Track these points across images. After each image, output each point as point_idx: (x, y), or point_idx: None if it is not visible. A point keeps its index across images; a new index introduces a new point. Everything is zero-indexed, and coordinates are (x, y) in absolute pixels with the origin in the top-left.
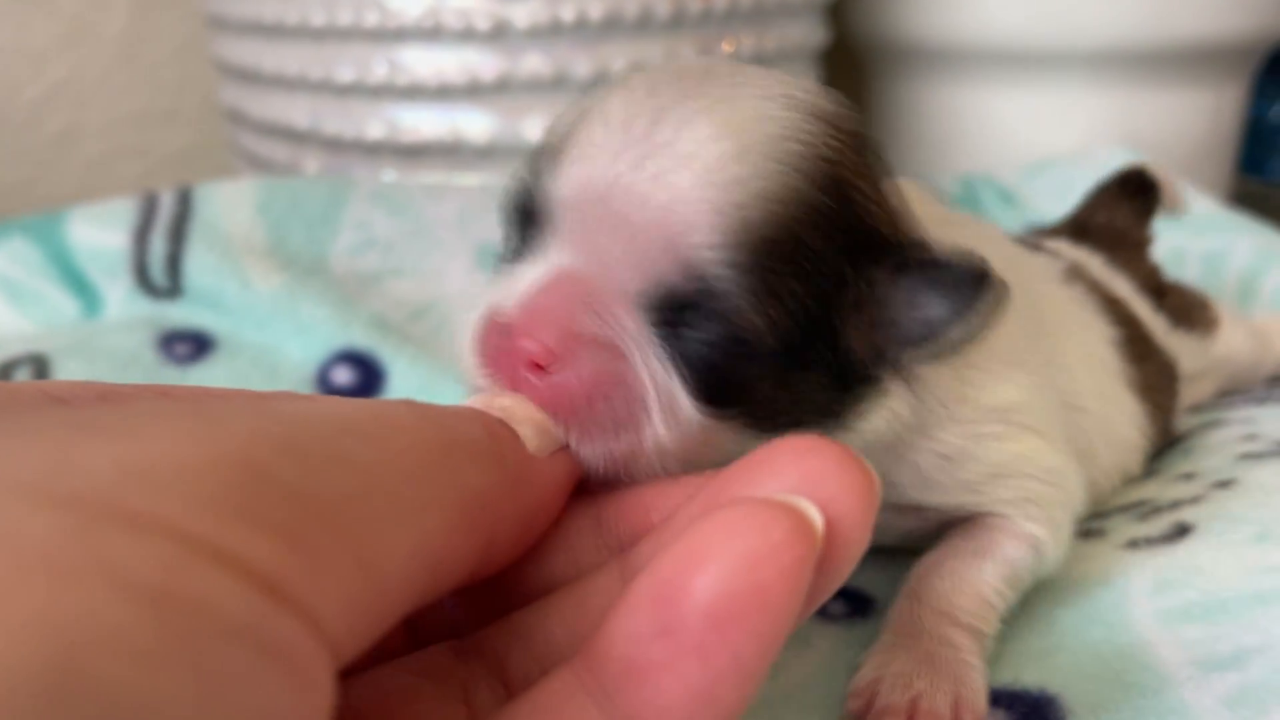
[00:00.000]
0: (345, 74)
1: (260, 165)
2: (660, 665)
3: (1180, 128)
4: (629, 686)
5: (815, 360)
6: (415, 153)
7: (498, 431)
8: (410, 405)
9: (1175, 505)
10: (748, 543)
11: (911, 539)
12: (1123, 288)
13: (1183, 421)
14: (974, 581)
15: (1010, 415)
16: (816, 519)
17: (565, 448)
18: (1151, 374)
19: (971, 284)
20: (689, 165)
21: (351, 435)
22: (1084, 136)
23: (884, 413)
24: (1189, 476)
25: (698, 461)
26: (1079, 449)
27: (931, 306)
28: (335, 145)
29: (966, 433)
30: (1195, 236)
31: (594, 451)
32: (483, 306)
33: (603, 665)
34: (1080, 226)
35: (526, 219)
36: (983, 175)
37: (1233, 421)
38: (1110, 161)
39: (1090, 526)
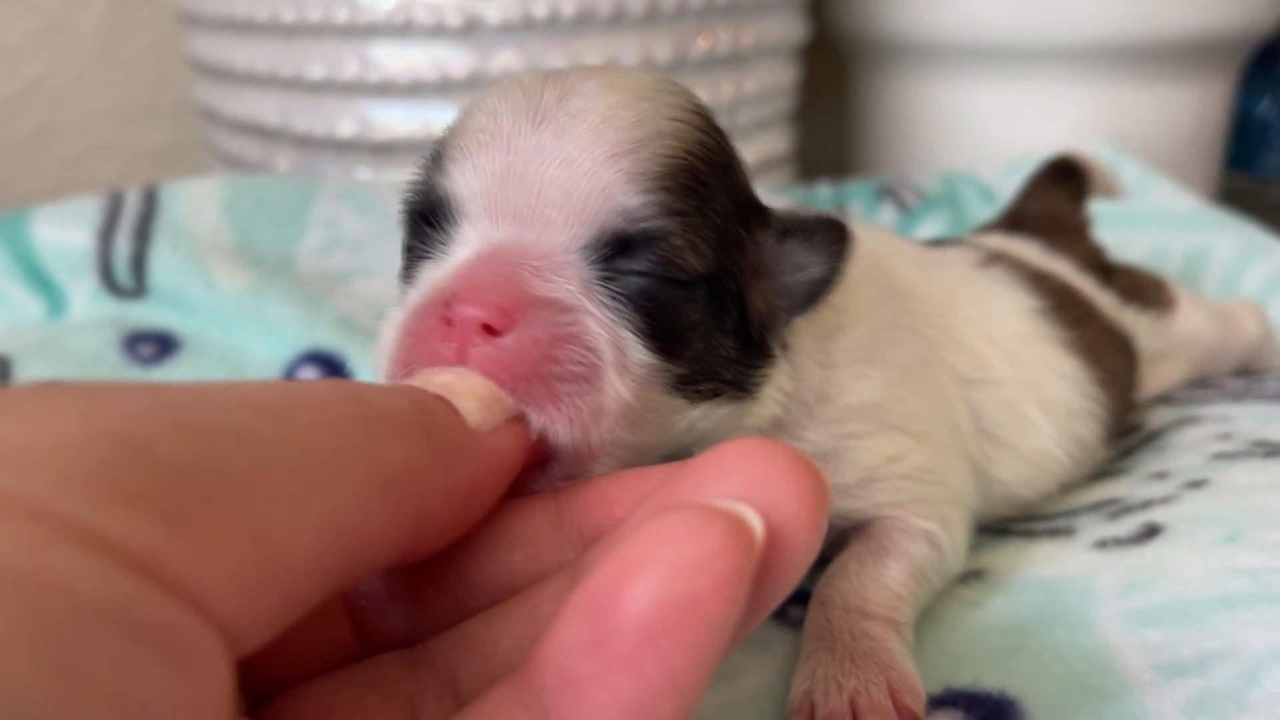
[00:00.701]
0: (316, 71)
1: (232, 163)
2: (593, 679)
3: (1166, 123)
4: (563, 701)
5: (729, 322)
6: (387, 150)
7: (427, 404)
8: (332, 383)
9: (1146, 505)
10: (680, 552)
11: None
12: (1060, 268)
13: (1157, 417)
14: (879, 577)
15: (870, 414)
16: (755, 524)
17: (515, 420)
18: (1093, 337)
19: (839, 239)
20: (605, 124)
21: (250, 412)
22: (1068, 133)
23: (773, 391)
24: (1161, 475)
25: (650, 436)
26: (1001, 422)
27: (812, 266)
28: (307, 143)
29: (832, 433)
30: (1177, 233)
31: (554, 417)
32: (406, 305)
33: (538, 679)
34: (1015, 218)
35: (428, 221)
36: (964, 173)
37: (1208, 419)
38: (1095, 158)
39: (1058, 525)
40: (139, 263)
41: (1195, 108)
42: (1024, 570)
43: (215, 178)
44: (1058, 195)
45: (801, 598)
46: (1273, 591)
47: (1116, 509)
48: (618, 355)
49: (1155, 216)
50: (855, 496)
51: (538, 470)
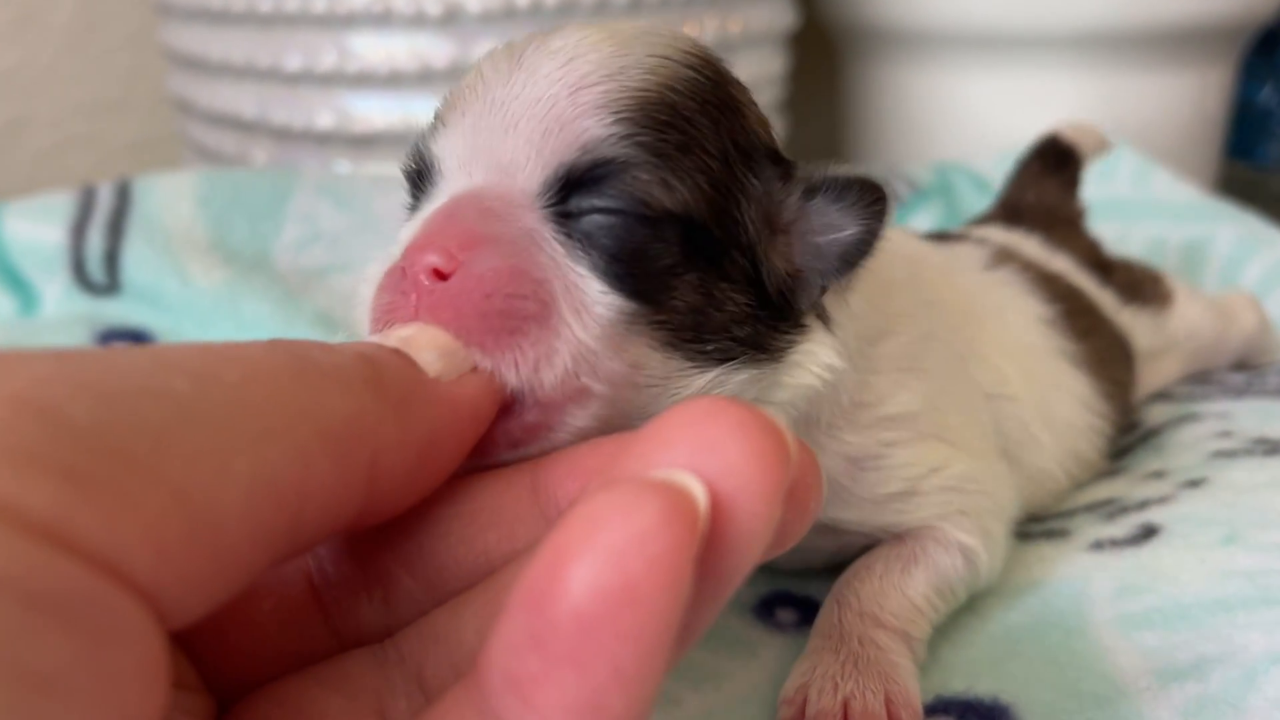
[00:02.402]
0: (293, 61)
1: (208, 156)
2: (537, 679)
3: (1165, 112)
4: (510, 704)
5: (733, 271)
6: (367, 142)
7: (376, 357)
8: (269, 341)
9: (1143, 505)
10: (612, 535)
11: (808, 555)
12: (1063, 265)
13: (1155, 414)
14: (902, 586)
15: (911, 423)
16: (698, 495)
17: (479, 371)
18: (1101, 348)
19: (876, 199)
20: (575, 58)
21: (170, 371)
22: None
23: (811, 363)
24: (1159, 474)
25: (646, 399)
26: (1014, 440)
27: (846, 227)
28: (284, 135)
29: (871, 438)
30: (1176, 225)
31: (501, 357)
32: (381, 266)
33: (487, 680)
34: (1012, 209)
35: (420, 180)
36: (957, 163)
37: (1207, 416)
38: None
39: (1053, 526)
40: (112, 259)
41: (1194, 96)
42: (1018, 573)
43: (190, 172)
44: (1053, 184)
45: (791, 601)
46: (1271, 594)
47: (1113, 509)
48: (572, 293)
49: (1153, 207)
50: (897, 511)
51: (506, 423)
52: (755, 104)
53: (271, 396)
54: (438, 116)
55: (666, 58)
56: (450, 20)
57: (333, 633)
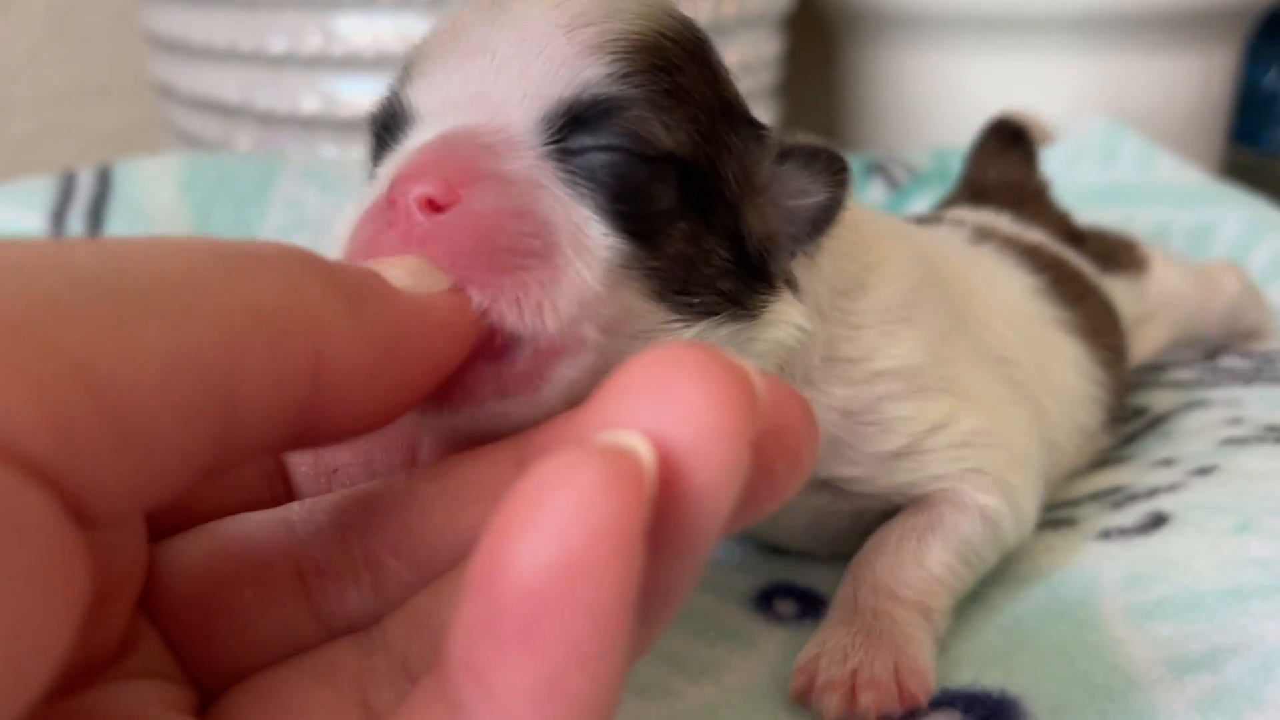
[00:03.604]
0: (277, 44)
1: (191, 142)
2: (492, 664)
3: (1169, 96)
4: (471, 692)
5: (719, 224)
6: (353, 127)
7: (319, 255)
8: (197, 236)
9: (1152, 493)
10: (552, 507)
11: (827, 527)
12: (1039, 238)
13: (1163, 401)
14: (918, 556)
15: (907, 376)
16: (641, 454)
17: (457, 291)
18: (1093, 314)
19: (839, 167)
20: (562, 2)
21: (72, 248)
22: (1066, 106)
23: (781, 323)
24: (1168, 462)
25: (616, 340)
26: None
27: (814, 192)
28: (269, 120)
29: (864, 391)
30: (1181, 209)
31: (501, 295)
32: (359, 206)
33: (449, 669)
34: (976, 188)
35: (391, 128)
36: (956, 148)
37: (1216, 403)
38: (1091, 132)
39: (1060, 515)
40: None
41: (1199, 79)
42: (1024, 563)
43: (173, 156)
44: (1012, 160)
45: (792, 592)
46: None
47: (1121, 498)
48: (575, 233)
49: (1158, 192)
50: (903, 469)
51: (496, 368)
52: (728, 69)
53: (190, 273)
54: (410, 64)
55: (653, 6)
56: (437, 1)
57: (319, 621)
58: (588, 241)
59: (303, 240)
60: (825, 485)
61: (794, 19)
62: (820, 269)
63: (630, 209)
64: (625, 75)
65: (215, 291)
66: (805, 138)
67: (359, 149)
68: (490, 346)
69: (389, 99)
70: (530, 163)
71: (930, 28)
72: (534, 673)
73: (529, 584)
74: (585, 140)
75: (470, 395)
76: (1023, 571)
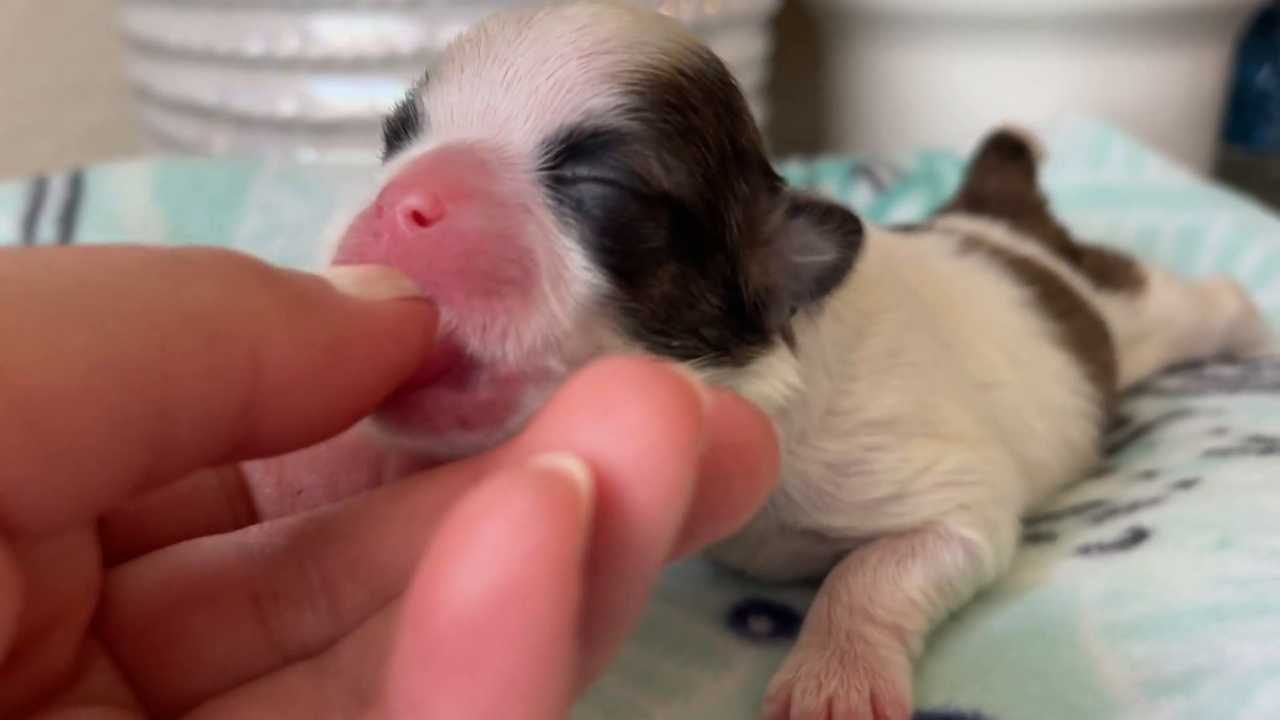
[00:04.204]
0: (254, 46)
1: (168, 144)
2: (430, 697)
3: (1159, 96)
4: None
5: (713, 270)
6: (330, 129)
7: (257, 260)
8: (129, 243)
9: (1133, 507)
10: (483, 534)
11: (806, 565)
12: (1032, 250)
13: (1146, 410)
14: (896, 580)
15: (894, 426)
16: (575, 476)
17: (416, 299)
18: (1082, 329)
19: (853, 228)
20: (590, 25)
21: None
22: (1055, 106)
23: (774, 375)
24: (1150, 475)
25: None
26: (1010, 431)
27: (823, 251)
28: (245, 122)
29: (851, 443)
30: (1170, 212)
31: (468, 317)
32: (352, 210)
33: (390, 701)
34: (975, 198)
35: (402, 132)
36: (943, 149)
37: (1201, 412)
38: (1079, 132)
39: (1040, 530)
40: None
41: (1189, 78)
42: (1001, 579)
43: (145, 160)
44: (1013, 172)
45: (766, 610)
46: (1266, 602)
47: (1102, 511)
48: (555, 265)
49: (1146, 195)
50: (891, 515)
51: (456, 396)
52: (752, 116)
53: (120, 278)
54: (431, 70)
55: (680, 44)
56: (416, 3)
57: (273, 646)
58: (566, 273)
59: (279, 245)
60: (807, 532)
61: (779, 18)
62: (822, 332)
63: (616, 244)
64: (633, 109)
65: (146, 296)
66: (821, 195)
67: (337, 152)
68: (452, 374)
69: (405, 103)
70: (521, 186)
71: (917, 27)
72: (472, 706)
73: (462, 615)
74: (581, 170)
75: (430, 424)
76: (1000, 587)
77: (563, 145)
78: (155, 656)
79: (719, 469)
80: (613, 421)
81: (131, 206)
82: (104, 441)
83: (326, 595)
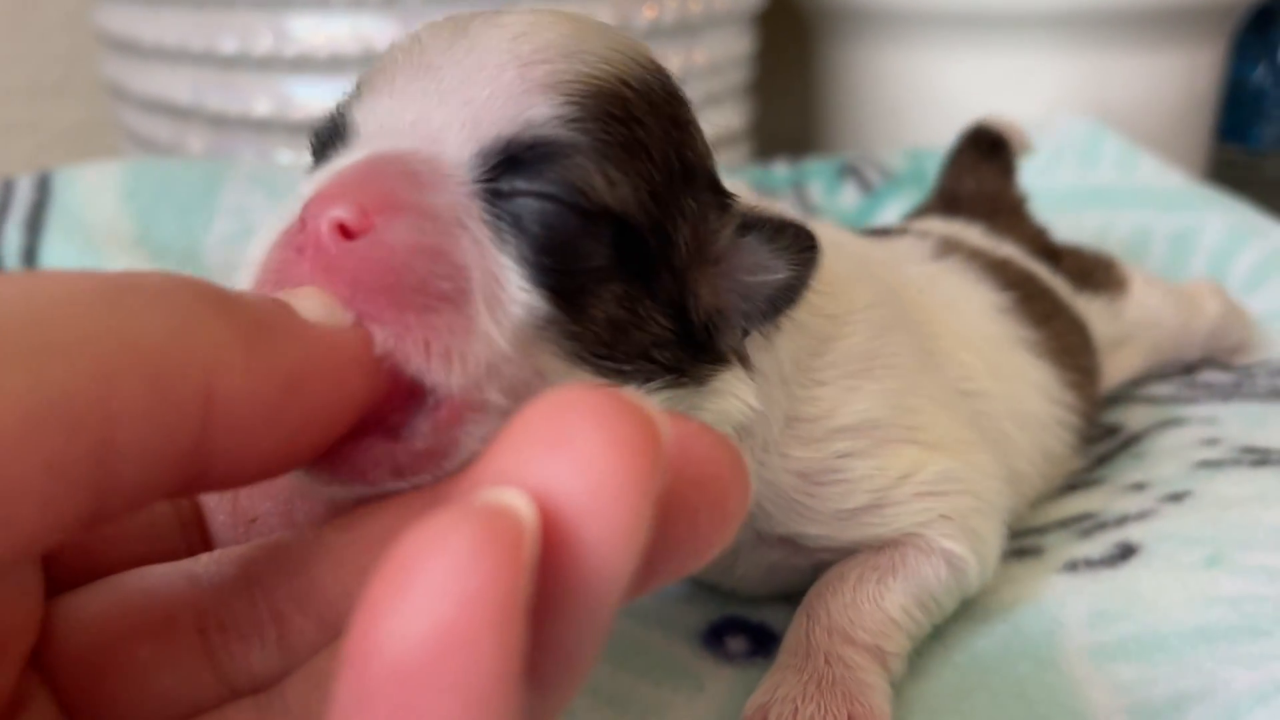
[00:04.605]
0: (229, 44)
1: (143, 144)
2: None
3: (1153, 94)
4: None
5: (661, 291)
6: (307, 129)
7: (215, 286)
8: (75, 270)
9: (1122, 521)
10: (420, 577)
11: (783, 578)
12: (1010, 253)
13: (1137, 418)
14: (877, 598)
15: (869, 431)
16: (519, 513)
17: (364, 328)
18: (1062, 334)
19: (807, 245)
20: (527, 33)
21: None
22: (1047, 105)
23: (730, 395)
24: (1140, 486)
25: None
26: (989, 442)
27: (775, 270)
28: (220, 122)
29: (822, 451)
30: (1163, 213)
31: (416, 340)
32: (274, 226)
33: None
34: (950, 198)
35: (330, 144)
36: (932, 148)
37: (1193, 421)
38: (1071, 132)
39: (1026, 544)
40: (30, 256)
41: (1184, 76)
42: (985, 595)
43: (114, 163)
44: (990, 170)
45: (744, 628)
46: (1257, 623)
47: (1090, 525)
48: (491, 284)
49: (1139, 195)
50: (868, 525)
51: (391, 446)
52: (701, 130)
53: (61, 309)
54: (360, 82)
55: (623, 53)
56: (393, 1)
57: (220, 680)
58: (502, 293)
59: (249, 247)
60: (783, 540)
61: (766, 15)
62: (778, 346)
63: (556, 263)
64: (574, 120)
65: (90, 329)
66: (774, 209)
67: None
68: (386, 421)
69: (332, 114)
70: (455, 199)
71: (906, 25)
72: None
73: (398, 662)
74: (519, 183)
75: (364, 476)
76: (984, 604)
77: (499, 157)
78: (97, 690)
79: (684, 503)
80: (565, 454)
81: (99, 209)
82: (41, 486)
83: (276, 627)
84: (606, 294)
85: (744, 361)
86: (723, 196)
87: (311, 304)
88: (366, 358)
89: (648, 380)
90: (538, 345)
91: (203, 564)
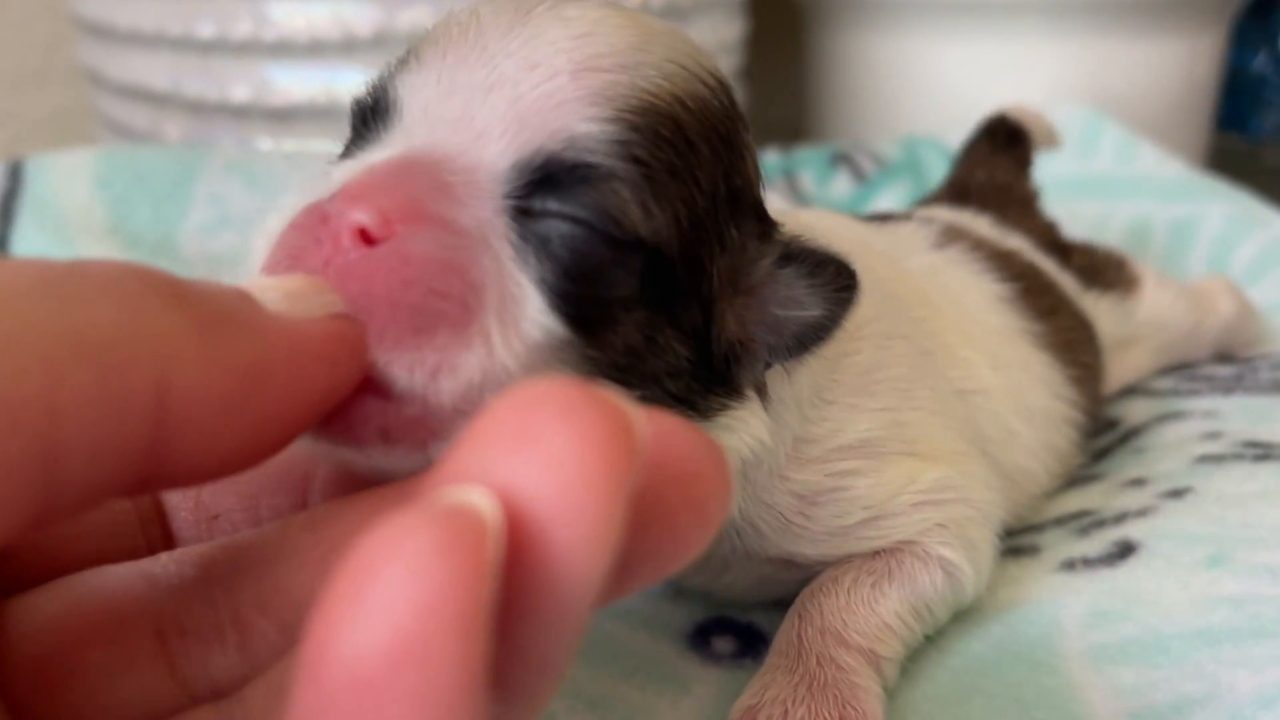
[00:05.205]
0: (206, 29)
1: (120, 131)
2: None
3: (1152, 82)
4: None
5: (684, 320)
6: (287, 116)
7: (189, 280)
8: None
9: (1121, 519)
10: (378, 582)
11: (773, 590)
12: (1018, 245)
13: (1136, 411)
14: (871, 602)
15: (869, 449)
16: (483, 515)
17: (344, 318)
18: (1066, 329)
19: (847, 283)
20: (589, 35)
21: None
22: (1044, 93)
23: (742, 430)
24: (1139, 483)
25: None
26: (993, 440)
27: (809, 306)
28: (198, 109)
29: (823, 472)
30: (1162, 203)
31: (403, 362)
32: (301, 202)
33: None
34: (960, 189)
35: (374, 117)
36: (927, 137)
37: (1193, 414)
38: (1069, 120)
39: (1023, 542)
40: (1, 245)
41: (1183, 64)
42: (982, 596)
43: (88, 150)
44: (1003, 163)
45: (731, 629)
46: (1261, 624)
47: (1088, 523)
48: (505, 304)
49: (1138, 185)
50: (864, 539)
51: (381, 404)
52: (755, 149)
53: (4, 302)
54: (412, 50)
55: (685, 68)
56: None
57: (179, 685)
58: (518, 316)
59: (227, 239)
60: (775, 559)
61: (758, 1)
62: (797, 373)
63: (579, 290)
64: (620, 141)
65: (34, 322)
66: (819, 244)
67: (294, 139)
68: (382, 385)
69: (378, 85)
70: (484, 215)
71: (902, 10)
72: None
73: (355, 671)
74: (551, 203)
75: (351, 433)
76: (980, 605)
77: (537, 174)
78: (50, 696)
79: (662, 503)
80: (534, 451)
81: (72, 198)
82: None
83: (237, 631)
84: (628, 321)
85: (761, 394)
86: (766, 224)
87: (276, 294)
88: (336, 353)
89: (652, 406)
90: (549, 366)
91: (162, 564)
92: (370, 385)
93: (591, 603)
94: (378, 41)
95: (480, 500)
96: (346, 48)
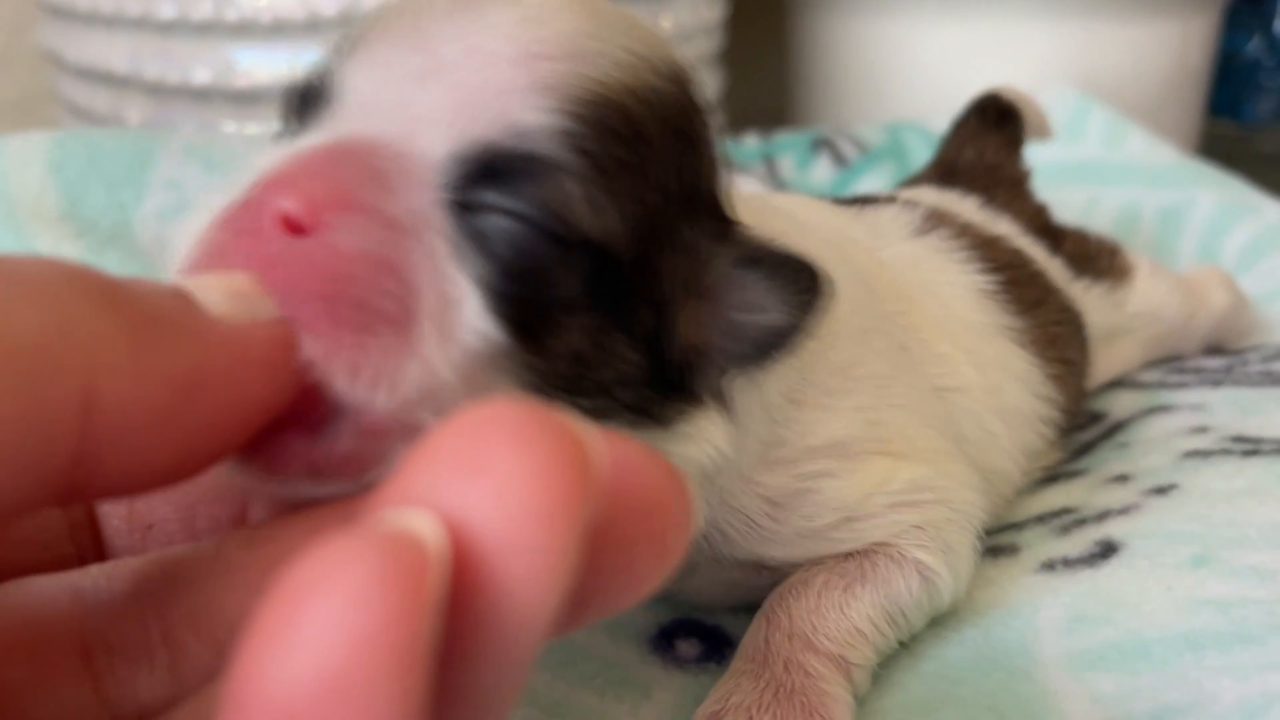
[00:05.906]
0: (167, 9)
1: (81, 115)
2: None
3: (1142, 65)
4: None
5: (635, 325)
6: (250, 99)
7: (124, 280)
8: None
9: (1103, 517)
10: (309, 611)
11: (743, 595)
12: (1005, 229)
13: (1122, 404)
14: (842, 606)
15: (841, 449)
16: (427, 541)
17: (283, 323)
18: (1049, 323)
19: (810, 286)
20: (530, 18)
21: None
22: (1032, 77)
23: (700, 440)
24: (1123, 479)
25: None
26: (970, 439)
27: (770, 310)
28: (159, 91)
29: (792, 474)
30: (1152, 189)
31: (344, 361)
32: (223, 198)
33: None
34: (948, 168)
35: (308, 105)
36: (912, 122)
37: (1180, 408)
38: (1057, 104)
39: (1001, 541)
40: None
41: (1175, 47)
42: (955, 603)
43: (41, 134)
44: (993, 142)
45: (696, 631)
46: (1247, 629)
47: (1069, 521)
48: (443, 306)
49: (1127, 171)
50: (835, 540)
51: (309, 443)
52: (714, 142)
53: None
54: (350, 35)
55: (640, 56)
56: None
57: (104, 707)
58: (455, 319)
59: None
60: (744, 563)
61: None
62: (764, 380)
63: (520, 291)
64: (567, 133)
65: None
66: (781, 244)
67: (257, 123)
68: (309, 415)
69: (316, 70)
70: (419, 207)
71: None
72: None
73: (282, 705)
74: (492, 196)
75: (277, 470)
76: (955, 609)
77: (477, 165)
78: None
79: (620, 534)
80: (483, 479)
81: (24, 182)
82: None
83: (167, 651)
84: (573, 325)
85: (720, 401)
86: (724, 222)
87: (218, 295)
88: (279, 359)
89: (605, 418)
90: (488, 375)
91: (91, 577)
92: (296, 417)
93: (541, 639)
94: (343, 21)
95: (425, 526)
96: (311, 28)
